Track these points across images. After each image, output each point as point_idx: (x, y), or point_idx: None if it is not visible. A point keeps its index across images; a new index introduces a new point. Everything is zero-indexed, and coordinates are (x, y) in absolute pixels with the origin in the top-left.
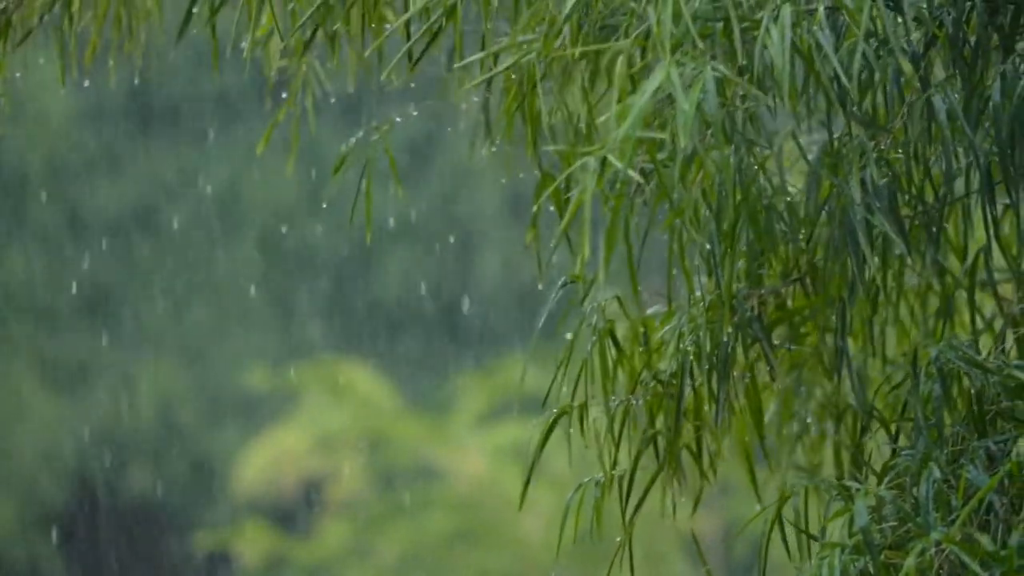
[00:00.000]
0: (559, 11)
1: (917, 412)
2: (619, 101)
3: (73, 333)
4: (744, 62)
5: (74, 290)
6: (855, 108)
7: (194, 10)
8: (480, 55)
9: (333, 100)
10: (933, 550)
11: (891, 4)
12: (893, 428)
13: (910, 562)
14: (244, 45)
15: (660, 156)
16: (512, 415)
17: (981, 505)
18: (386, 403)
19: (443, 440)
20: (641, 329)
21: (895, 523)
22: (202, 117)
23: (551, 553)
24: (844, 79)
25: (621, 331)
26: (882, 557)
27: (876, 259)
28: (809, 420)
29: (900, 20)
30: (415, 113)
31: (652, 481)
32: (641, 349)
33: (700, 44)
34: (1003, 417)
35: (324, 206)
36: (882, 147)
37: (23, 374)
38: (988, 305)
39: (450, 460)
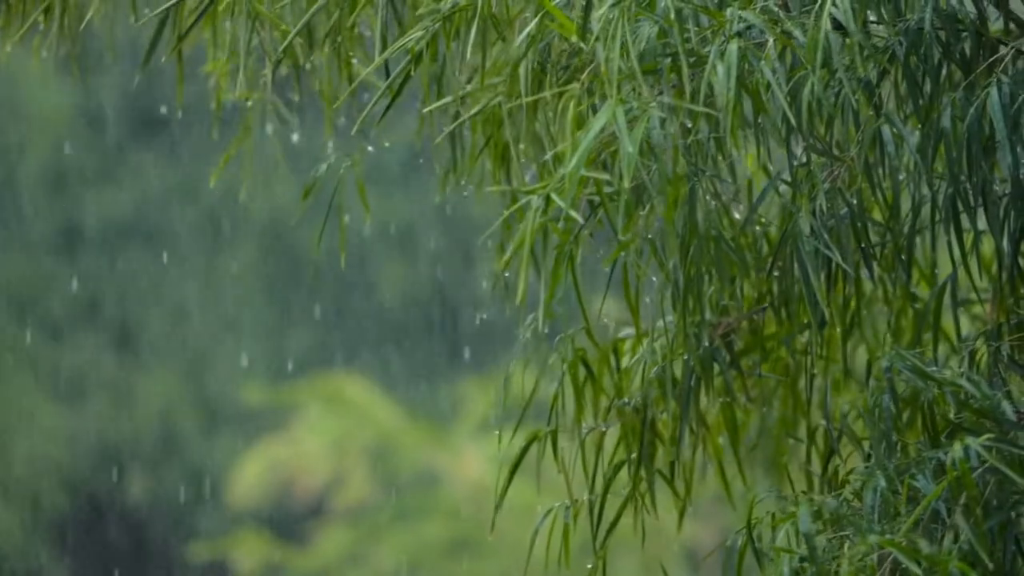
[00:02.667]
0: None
1: (869, 424)
2: (566, 137)
3: (73, 342)
4: (691, 97)
5: (74, 299)
6: (812, 138)
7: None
8: (447, 100)
9: (305, 121)
10: (875, 556)
11: (844, 34)
12: (858, 444)
13: (845, 566)
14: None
15: (608, 190)
16: (512, 422)
17: (926, 512)
18: (385, 411)
19: (443, 447)
20: (611, 356)
21: (848, 532)
22: (201, 126)
23: (551, 560)
24: (790, 114)
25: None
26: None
27: (824, 288)
28: (782, 440)
29: (852, 50)
30: (387, 144)
31: (623, 507)
32: (612, 375)
33: (642, 84)
34: (953, 428)
35: (324, 218)
36: (836, 176)
37: (24, 383)
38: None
39: (450, 467)
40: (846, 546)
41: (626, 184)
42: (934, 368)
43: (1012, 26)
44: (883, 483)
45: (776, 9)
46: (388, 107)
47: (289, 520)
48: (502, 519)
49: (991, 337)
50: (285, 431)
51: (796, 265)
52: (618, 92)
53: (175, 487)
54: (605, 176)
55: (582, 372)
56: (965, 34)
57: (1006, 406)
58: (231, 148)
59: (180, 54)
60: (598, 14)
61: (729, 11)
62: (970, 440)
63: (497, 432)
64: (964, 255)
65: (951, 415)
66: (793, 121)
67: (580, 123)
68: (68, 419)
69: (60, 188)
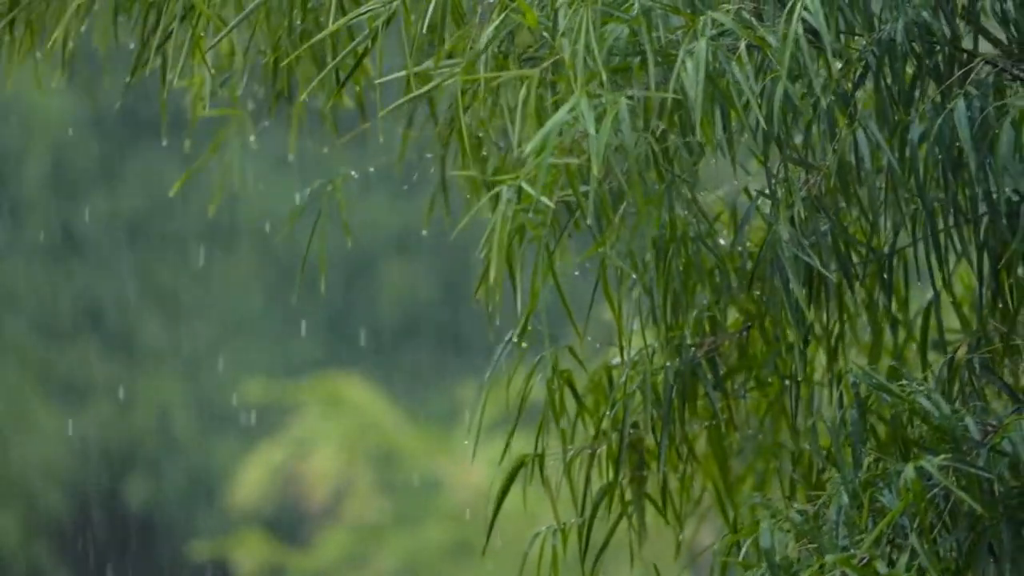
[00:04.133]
0: (481, 38)
1: (832, 438)
2: (526, 129)
3: (74, 346)
4: (661, 95)
5: (75, 303)
6: (786, 147)
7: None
8: (400, 74)
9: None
10: (839, 572)
11: (818, 45)
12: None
13: None
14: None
15: (583, 188)
16: (515, 427)
17: (890, 527)
18: (386, 415)
19: (444, 451)
20: (604, 380)
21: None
22: (202, 129)
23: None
24: (760, 114)
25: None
26: None
27: (807, 298)
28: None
29: (824, 60)
30: (371, 170)
31: (612, 529)
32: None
33: (604, 78)
34: (910, 443)
35: (322, 214)
36: (813, 184)
37: (24, 386)
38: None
39: (451, 471)
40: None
41: (595, 171)
42: (904, 383)
43: (991, 46)
44: (846, 499)
45: (748, 16)
46: (347, 78)
47: (290, 522)
48: (503, 523)
49: (971, 349)
50: (286, 434)
51: (778, 274)
52: (584, 87)
53: (176, 489)
54: (575, 161)
55: (568, 394)
56: (938, 47)
57: (970, 422)
58: (199, 162)
59: (164, 78)
60: (560, 3)
61: (703, 18)
62: (924, 461)
63: (473, 439)
64: (944, 272)
65: (918, 431)
66: (763, 122)
67: (540, 116)
68: (69, 422)
69: (60, 191)
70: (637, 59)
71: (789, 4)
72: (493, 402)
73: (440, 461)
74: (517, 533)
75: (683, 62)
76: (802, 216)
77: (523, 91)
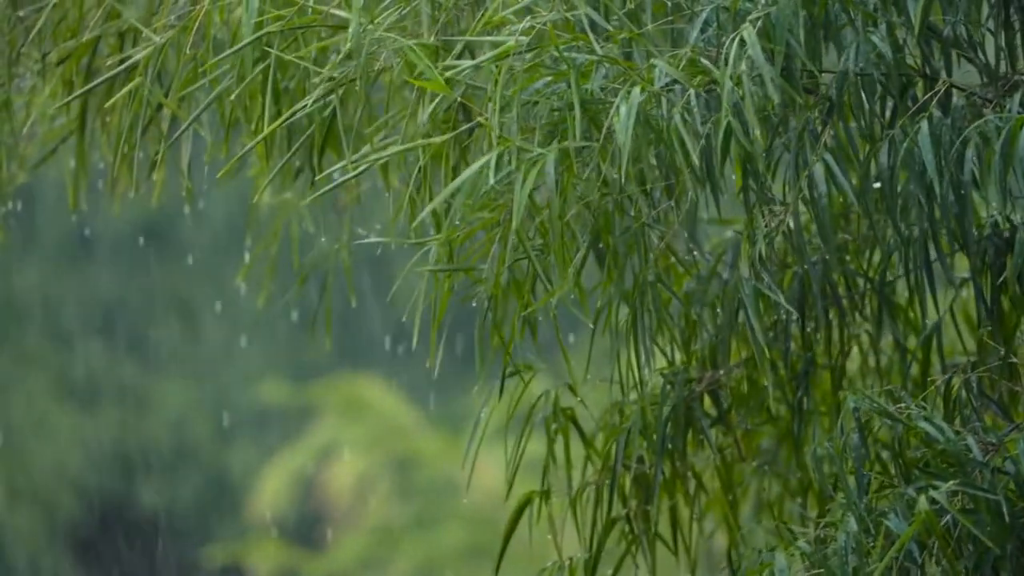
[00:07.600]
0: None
1: (837, 464)
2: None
3: (89, 349)
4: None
5: (90, 307)
6: (758, 184)
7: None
8: (338, 166)
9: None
10: None
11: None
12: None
13: None
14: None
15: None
16: (530, 428)
17: (900, 553)
18: (402, 418)
19: (459, 454)
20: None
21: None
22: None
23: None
24: (695, 158)
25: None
26: None
27: (764, 332)
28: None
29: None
30: (378, 226)
31: (621, 561)
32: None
33: (516, 140)
34: (912, 465)
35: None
36: (780, 221)
37: (40, 390)
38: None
39: (466, 474)
40: None
41: (515, 226)
42: (903, 406)
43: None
44: (854, 525)
45: (703, 60)
46: (313, 180)
47: (305, 526)
48: (519, 526)
49: (968, 370)
50: (302, 437)
51: (743, 311)
52: (500, 145)
53: (191, 493)
54: (485, 215)
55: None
56: (903, 77)
57: (972, 443)
58: (258, 248)
59: (187, 189)
60: (481, 60)
61: (652, 64)
62: (935, 492)
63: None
64: (935, 300)
65: (917, 453)
66: (698, 165)
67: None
68: (85, 425)
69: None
70: (573, 112)
71: (734, 45)
72: (506, 406)
73: (457, 464)
74: (532, 535)
75: (617, 108)
76: (763, 255)
77: (426, 158)
